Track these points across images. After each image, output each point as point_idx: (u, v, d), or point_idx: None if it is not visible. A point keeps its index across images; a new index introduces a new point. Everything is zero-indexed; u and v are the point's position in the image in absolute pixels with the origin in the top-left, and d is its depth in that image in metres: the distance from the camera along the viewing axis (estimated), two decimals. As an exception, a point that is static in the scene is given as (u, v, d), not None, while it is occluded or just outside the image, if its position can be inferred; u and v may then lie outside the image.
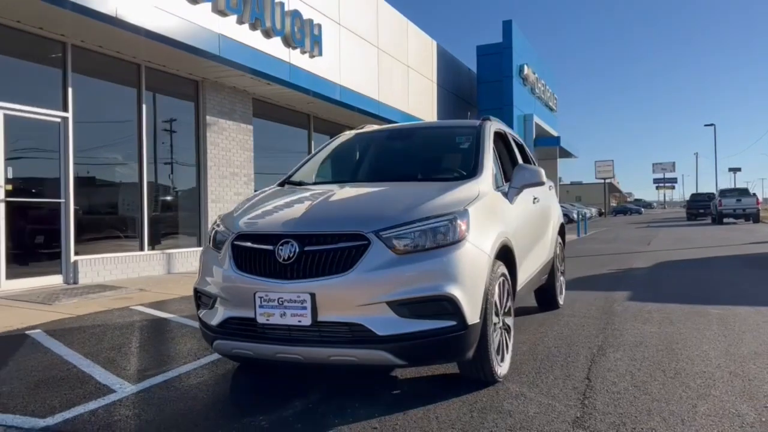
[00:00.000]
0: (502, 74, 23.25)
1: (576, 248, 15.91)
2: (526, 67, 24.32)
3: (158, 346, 5.13)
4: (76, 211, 9.10)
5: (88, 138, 9.45)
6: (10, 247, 8.21)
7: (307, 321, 3.21)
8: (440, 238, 3.36)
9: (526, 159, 6.17)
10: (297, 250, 3.31)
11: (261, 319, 3.31)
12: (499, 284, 3.77)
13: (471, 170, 4.29)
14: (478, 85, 24.03)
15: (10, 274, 8.19)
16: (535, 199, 5.29)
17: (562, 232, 6.72)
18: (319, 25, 12.93)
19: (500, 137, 5.31)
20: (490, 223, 3.80)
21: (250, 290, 3.35)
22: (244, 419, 3.25)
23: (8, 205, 8.19)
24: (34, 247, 8.86)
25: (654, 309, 6.35)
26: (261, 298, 3.31)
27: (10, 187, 8.24)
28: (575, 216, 31.54)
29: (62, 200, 8.96)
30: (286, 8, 11.83)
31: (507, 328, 3.97)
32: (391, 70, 17.16)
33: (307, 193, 4.19)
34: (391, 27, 17.25)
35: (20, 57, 8.56)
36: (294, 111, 14.72)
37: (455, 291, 3.27)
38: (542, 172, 4.60)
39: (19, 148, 8.63)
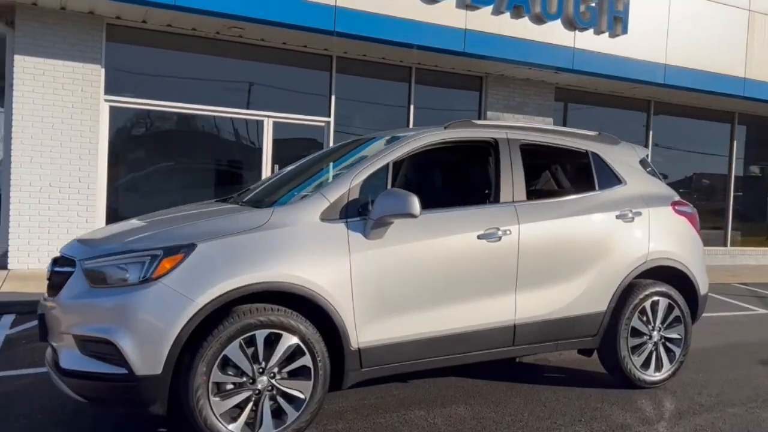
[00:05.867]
0: None
1: None
2: None
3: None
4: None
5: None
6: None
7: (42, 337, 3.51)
8: (130, 274, 3.18)
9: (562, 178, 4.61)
10: (51, 269, 3.61)
11: None
12: (246, 340, 3.27)
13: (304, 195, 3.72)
14: None
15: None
16: (502, 232, 3.97)
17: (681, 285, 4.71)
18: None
19: (474, 150, 4.21)
20: (243, 262, 3.28)
21: None
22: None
23: (271, 196, 10.08)
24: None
25: None
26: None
27: (275, 181, 10.11)
28: None
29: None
30: (569, -13, 10.64)
31: (282, 393, 3.36)
32: (777, 36, 13.28)
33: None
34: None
35: (289, 71, 10.26)
36: (623, 98, 13.08)
37: (120, 337, 3.08)
38: (411, 200, 3.55)
39: (286, 147, 10.43)
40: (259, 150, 10.01)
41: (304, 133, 10.47)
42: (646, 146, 13.59)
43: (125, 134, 9.40)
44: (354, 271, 3.53)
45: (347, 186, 3.68)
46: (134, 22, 8.97)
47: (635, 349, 4.52)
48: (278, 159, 10.09)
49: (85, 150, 8.77)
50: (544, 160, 4.73)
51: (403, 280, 3.69)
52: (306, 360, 3.40)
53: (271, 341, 3.33)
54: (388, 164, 3.87)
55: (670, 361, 4.64)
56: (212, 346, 3.17)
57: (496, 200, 4.15)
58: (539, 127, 4.60)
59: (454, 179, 4.65)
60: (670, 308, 4.62)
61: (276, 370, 3.34)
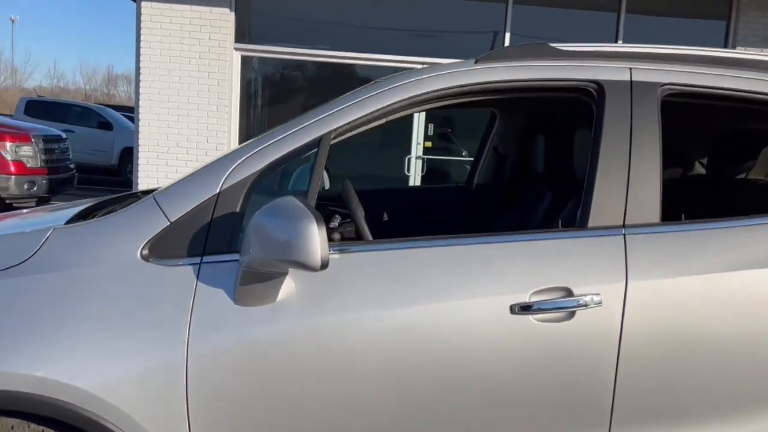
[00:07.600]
0: None
1: None
2: None
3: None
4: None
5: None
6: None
7: None
8: None
9: None
10: None
11: None
12: None
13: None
14: None
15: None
16: (583, 301, 1.69)
17: None
18: None
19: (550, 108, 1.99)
20: None
21: None
22: None
23: (423, 161, 8.26)
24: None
25: None
26: None
27: (429, 144, 8.28)
28: None
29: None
30: None
31: None
32: None
33: None
34: None
35: (451, 5, 8.21)
36: None
37: None
38: (305, 231, 1.49)
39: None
40: (411, 105, 8.22)
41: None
42: None
43: (259, 87, 8.29)
44: (194, 373, 1.66)
45: (214, 188, 1.76)
46: (266, -45, 7.71)
47: None
48: (439, 119, 8.20)
49: (213, 106, 7.84)
50: (719, 128, 2.25)
51: (317, 397, 1.70)
52: None
53: None
54: (318, 141, 1.84)
55: None
56: None
57: (583, 223, 1.86)
58: (710, 55, 2.07)
59: (497, 177, 2.39)
60: None
61: None
